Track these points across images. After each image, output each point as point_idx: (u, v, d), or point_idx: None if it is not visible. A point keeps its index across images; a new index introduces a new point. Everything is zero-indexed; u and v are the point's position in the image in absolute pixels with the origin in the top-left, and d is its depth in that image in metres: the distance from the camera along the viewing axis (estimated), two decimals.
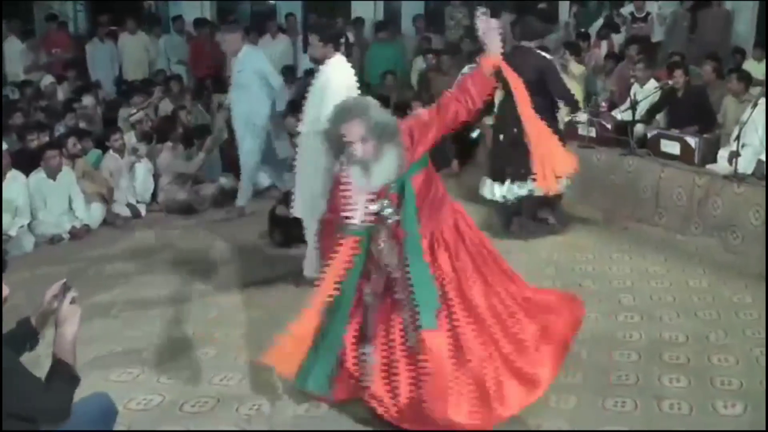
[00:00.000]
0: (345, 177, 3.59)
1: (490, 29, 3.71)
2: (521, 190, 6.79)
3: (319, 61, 5.43)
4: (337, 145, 3.55)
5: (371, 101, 3.60)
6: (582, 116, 7.66)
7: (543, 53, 6.97)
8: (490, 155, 7.39)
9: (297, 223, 5.65)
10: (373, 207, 3.54)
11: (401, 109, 9.59)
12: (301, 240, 6.72)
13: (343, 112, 3.49)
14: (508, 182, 6.85)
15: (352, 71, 5.36)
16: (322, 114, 4.29)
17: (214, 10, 14.23)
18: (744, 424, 3.89)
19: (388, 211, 3.55)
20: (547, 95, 6.88)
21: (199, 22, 12.41)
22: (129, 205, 7.76)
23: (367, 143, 3.44)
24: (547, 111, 7.08)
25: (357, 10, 13.59)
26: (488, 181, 7.06)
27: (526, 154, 7.17)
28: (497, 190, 6.94)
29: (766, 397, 4.00)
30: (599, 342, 4.80)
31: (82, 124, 8.84)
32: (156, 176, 8.21)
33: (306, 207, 5.40)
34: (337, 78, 5.22)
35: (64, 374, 2.76)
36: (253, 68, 7.18)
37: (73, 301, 2.87)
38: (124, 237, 7.14)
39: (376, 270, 3.68)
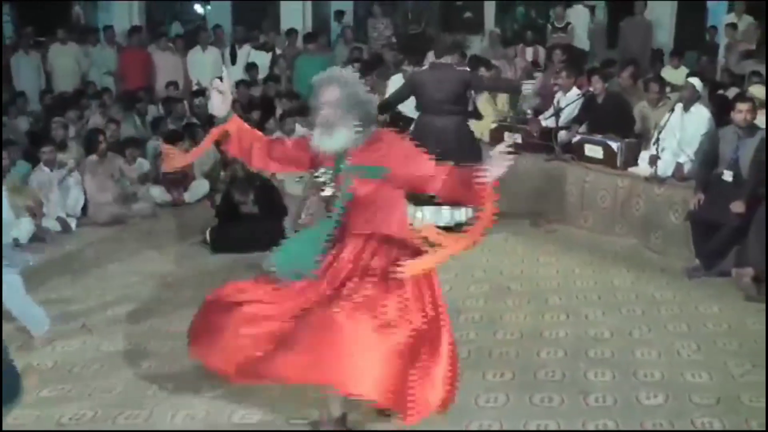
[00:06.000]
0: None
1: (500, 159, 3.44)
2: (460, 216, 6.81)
3: None
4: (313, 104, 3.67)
5: (356, 78, 3.68)
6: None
7: (461, 67, 7.17)
8: None
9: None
10: (319, 171, 3.72)
11: None
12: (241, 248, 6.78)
13: (328, 77, 3.63)
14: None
15: None
16: None
17: (144, 20, 14.08)
18: (666, 413, 4.07)
19: (325, 178, 3.71)
20: (463, 112, 7.01)
21: (132, 32, 12.26)
22: (59, 219, 7.63)
23: (334, 109, 3.55)
24: (464, 127, 7.29)
25: (285, 21, 13.61)
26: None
27: None
28: (455, 215, 6.77)
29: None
30: (527, 341, 4.95)
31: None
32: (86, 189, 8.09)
33: None
34: None
35: None
36: None
37: None
38: (54, 251, 7.02)
39: None
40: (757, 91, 7.59)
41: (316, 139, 3.63)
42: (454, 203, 3.62)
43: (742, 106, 6.18)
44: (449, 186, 3.55)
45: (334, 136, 3.56)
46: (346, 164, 3.62)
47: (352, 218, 3.66)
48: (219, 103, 3.81)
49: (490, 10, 13.46)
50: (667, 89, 8.14)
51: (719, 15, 12.87)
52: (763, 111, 7.31)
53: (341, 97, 3.55)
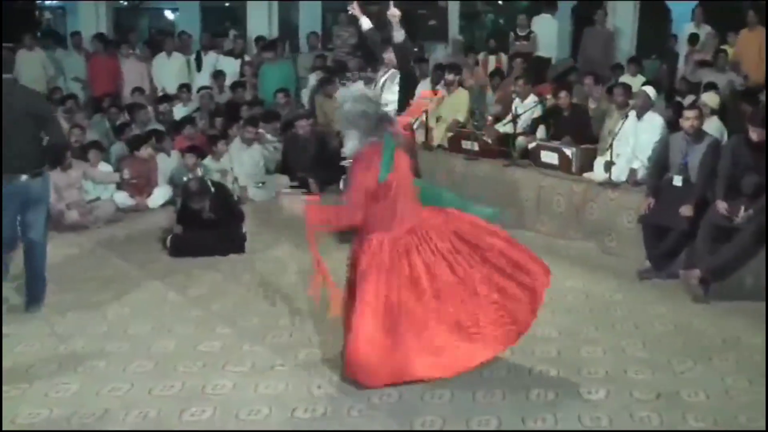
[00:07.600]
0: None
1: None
2: None
3: None
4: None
5: None
6: None
7: None
8: None
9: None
10: None
11: (291, 126, 9.74)
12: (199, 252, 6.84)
13: None
14: None
15: None
16: None
17: (111, 25, 14.09)
18: (605, 408, 4.19)
19: None
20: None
21: (99, 38, 12.27)
22: None
23: None
24: None
25: (253, 28, 13.69)
26: None
27: None
28: None
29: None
30: None
31: None
32: None
33: None
34: None
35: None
36: None
37: None
38: (15, 257, 7.02)
39: None
40: (709, 98, 7.79)
41: None
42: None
43: (690, 114, 6.37)
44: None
45: None
46: None
47: None
48: None
49: (454, 18, 13.62)
50: None
51: (683, 23, 13.08)
52: (713, 118, 7.54)
53: None
